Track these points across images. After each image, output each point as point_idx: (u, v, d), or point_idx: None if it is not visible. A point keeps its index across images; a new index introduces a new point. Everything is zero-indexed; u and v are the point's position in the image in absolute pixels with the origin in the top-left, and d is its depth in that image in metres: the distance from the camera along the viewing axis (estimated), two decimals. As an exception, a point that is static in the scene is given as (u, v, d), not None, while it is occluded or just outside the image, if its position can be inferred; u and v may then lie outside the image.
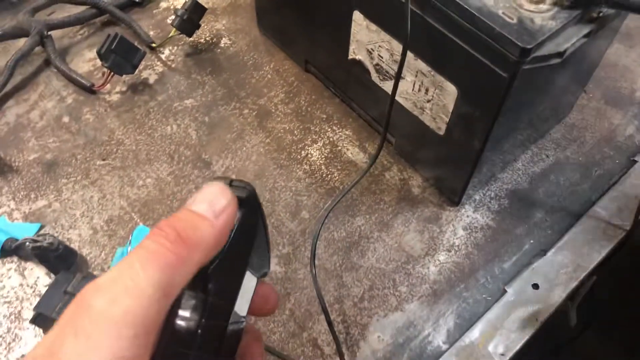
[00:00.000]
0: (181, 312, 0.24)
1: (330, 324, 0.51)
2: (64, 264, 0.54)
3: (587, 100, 0.71)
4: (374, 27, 0.54)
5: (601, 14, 0.44)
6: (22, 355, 0.50)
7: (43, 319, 0.49)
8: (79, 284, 0.50)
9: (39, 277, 0.55)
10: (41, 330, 0.51)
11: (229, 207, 0.25)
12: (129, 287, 0.21)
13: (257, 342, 0.29)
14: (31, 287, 0.54)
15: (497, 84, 0.45)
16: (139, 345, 0.21)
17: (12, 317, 0.53)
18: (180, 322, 0.23)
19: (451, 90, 0.50)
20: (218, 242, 0.24)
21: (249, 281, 0.27)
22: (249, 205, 0.26)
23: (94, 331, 0.21)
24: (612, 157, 0.65)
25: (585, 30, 0.45)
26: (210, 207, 0.24)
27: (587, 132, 0.68)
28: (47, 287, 0.51)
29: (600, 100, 0.71)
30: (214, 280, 0.24)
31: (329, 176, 0.63)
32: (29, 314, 0.52)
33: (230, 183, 0.26)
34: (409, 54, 0.51)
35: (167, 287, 0.22)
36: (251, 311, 0.28)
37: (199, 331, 0.23)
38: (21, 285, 0.55)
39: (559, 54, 0.44)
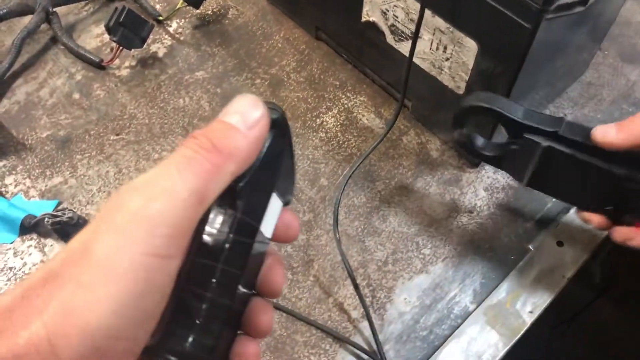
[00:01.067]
0: (210, 226, 0.24)
1: (357, 287, 0.51)
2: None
3: (603, 57, 0.69)
4: (388, -14, 0.53)
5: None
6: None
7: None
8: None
9: (60, 253, 0.55)
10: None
11: (262, 119, 0.24)
12: (165, 189, 0.21)
13: (279, 265, 0.29)
14: (52, 263, 0.54)
15: (520, 36, 0.44)
16: (173, 246, 0.21)
17: (36, 293, 0.52)
18: (208, 236, 0.24)
19: (471, 46, 0.49)
20: (250, 154, 0.24)
21: (275, 204, 0.28)
22: (279, 128, 0.26)
23: (128, 228, 0.20)
24: (630, 113, 0.64)
25: (609, -24, 0.44)
26: (243, 118, 0.24)
27: (604, 89, 0.67)
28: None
29: (616, 58, 0.69)
30: (242, 197, 0.25)
31: (346, 143, 0.62)
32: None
33: None
34: (427, 12, 0.50)
35: (202, 193, 0.22)
36: (274, 237, 0.28)
37: (227, 245, 0.24)
38: (42, 261, 0.54)
39: (583, 2, 0.43)
